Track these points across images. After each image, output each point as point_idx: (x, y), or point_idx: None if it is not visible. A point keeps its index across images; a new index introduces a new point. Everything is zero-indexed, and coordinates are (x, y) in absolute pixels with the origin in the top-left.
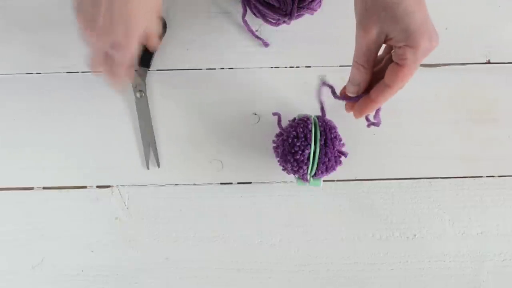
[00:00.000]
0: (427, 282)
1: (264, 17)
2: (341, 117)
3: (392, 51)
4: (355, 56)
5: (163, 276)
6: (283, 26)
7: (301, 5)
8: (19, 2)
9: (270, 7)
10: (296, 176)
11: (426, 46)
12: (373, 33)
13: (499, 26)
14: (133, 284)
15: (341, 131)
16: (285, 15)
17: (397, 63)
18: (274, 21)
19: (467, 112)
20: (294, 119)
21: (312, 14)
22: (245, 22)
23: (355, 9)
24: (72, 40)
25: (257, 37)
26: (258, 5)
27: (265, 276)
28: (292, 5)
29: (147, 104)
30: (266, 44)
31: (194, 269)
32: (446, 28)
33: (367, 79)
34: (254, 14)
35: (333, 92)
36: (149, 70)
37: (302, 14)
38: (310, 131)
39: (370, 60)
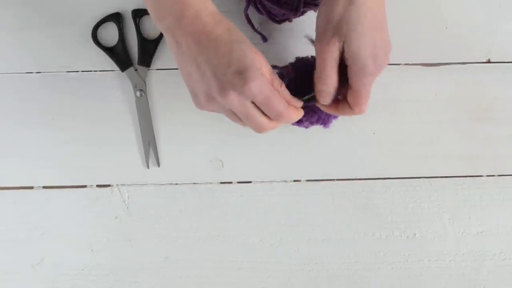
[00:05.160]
0: (427, 281)
1: (268, 13)
2: (340, 117)
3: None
4: (319, 69)
5: (163, 275)
6: (283, 25)
7: (307, 0)
8: (19, 1)
9: (276, 1)
10: None
11: (370, 70)
12: (333, 48)
13: (499, 25)
14: (133, 283)
15: (341, 130)
16: (290, 10)
17: (350, 86)
18: (277, 18)
19: (467, 111)
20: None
21: (315, 11)
22: (246, 16)
23: (317, 21)
24: (72, 39)
25: (257, 31)
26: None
27: (265, 276)
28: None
29: (147, 103)
30: (265, 39)
31: (193, 268)
32: (446, 27)
33: (334, 86)
34: (258, 10)
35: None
36: (149, 69)
37: (306, 11)
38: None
39: (333, 71)
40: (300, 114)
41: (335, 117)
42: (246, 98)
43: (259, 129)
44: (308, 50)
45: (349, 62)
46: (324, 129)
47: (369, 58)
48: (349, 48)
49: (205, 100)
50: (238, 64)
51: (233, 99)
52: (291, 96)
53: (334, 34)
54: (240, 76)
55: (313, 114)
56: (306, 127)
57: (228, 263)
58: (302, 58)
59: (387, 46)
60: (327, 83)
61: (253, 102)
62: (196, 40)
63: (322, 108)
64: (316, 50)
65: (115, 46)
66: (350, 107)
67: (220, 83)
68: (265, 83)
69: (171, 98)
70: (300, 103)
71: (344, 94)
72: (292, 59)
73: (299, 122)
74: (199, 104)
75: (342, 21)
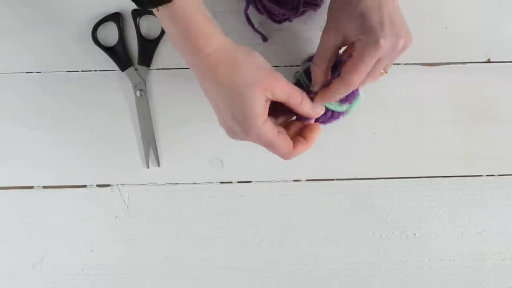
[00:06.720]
0: (427, 281)
1: (268, 13)
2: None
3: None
4: (314, 57)
5: (163, 275)
6: (283, 25)
7: (307, 0)
8: (19, 1)
9: (276, 1)
10: None
11: (377, 42)
12: (331, 36)
13: (499, 25)
14: (133, 283)
15: (341, 130)
16: (290, 10)
17: (351, 56)
18: (277, 18)
19: (467, 111)
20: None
21: (315, 11)
22: (246, 16)
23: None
24: (72, 39)
25: (257, 31)
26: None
27: (265, 275)
28: None
29: (147, 103)
30: (265, 39)
31: (193, 268)
32: (446, 27)
33: (322, 78)
34: (258, 10)
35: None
36: (149, 69)
37: (306, 11)
38: None
39: (325, 60)
40: (309, 145)
41: (336, 119)
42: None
43: (282, 157)
44: (308, 50)
45: (353, 38)
46: (324, 130)
47: (374, 30)
48: (350, 29)
49: (227, 132)
50: (238, 114)
51: (240, 139)
52: (313, 105)
53: (332, 24)
54: (239, 125)
55: None
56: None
57: (228, 263)
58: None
59: (400, 29)
60: (316, 70)
61: None
62: (201, 75)
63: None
64: (320, 38)
65: (115, 46)
66: (340, 79)
67: (226, 124)
68: (264, 132)
69: (171, 98)
70: (322, 109)
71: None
72: (292, 58)
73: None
74: (227, 134)
75: (340, 11)
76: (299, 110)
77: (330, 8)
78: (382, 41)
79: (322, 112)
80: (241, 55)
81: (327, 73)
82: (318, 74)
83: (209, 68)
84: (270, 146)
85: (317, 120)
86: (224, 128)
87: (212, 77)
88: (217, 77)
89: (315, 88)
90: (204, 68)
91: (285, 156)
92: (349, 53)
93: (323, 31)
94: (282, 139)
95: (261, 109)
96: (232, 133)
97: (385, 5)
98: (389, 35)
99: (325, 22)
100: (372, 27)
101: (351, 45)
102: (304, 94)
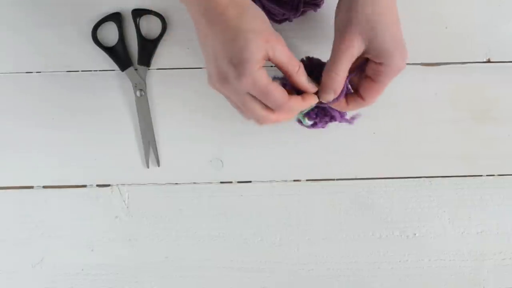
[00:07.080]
0: (427, 281)
1: (268, 13)
2: None
3: (367, 65)
4: (332, 66)
5: (163, 275)
6: (283, 25)
7: (307, 0)
8: (19, 1)
9: (276, 1)
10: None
11: (399, 65)
12: (355, 44)
13: (499, 25)
14: (133, 282)
15: (341, 130)
16: (290, 10)
17: (371, 78)
18: (277, 18)
19: (467, 111)
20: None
21: (316, 11)
22: None
23: (337, 19)
24: (72, 39)
25: None
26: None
27: (265, 275)
28: None
29: (147, 103)
30: None
31: (193, 268)
32: (446, 27)
33: (341, 86)
34: None
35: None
36: (149, 69)
37: (306, 11)
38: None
39: (346, 70)
40: (305, 103)
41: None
42: (241, 90)
43: (259, 121)
44: (307, 50)
45: (376, 59)
46: (324, 129)
47: (396, 53)
48: (374, 45)
49: (217, 81)
50: (236, 57)
51: (229, 89)
52: (308, 80)
53: (357, 32)
54: (234, 69)
55: (325, 115)
56: (323, 127)
57: (228, 263)
58: (310, 58)
59: (404, 44)
60: (337, 80)
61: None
62: (207, 20)
63: (333, 106)
64: (338, 47)
65: (115, 45)
66: (361, 99)
67: (218, 71)
68: (260, 77)
69: (171, 98)
70: (315, 88)
71: (356, 87)
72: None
73: (314, 125)
74: (211, 84)
75: (363, 19)
76: (296, 78)
77: (347, 17)
78: (401, 63)
79: (316, 89)
80: (251, 5)
81: (344, 83)
82: (339, 84)
83: (217, 12)
84: (265, 92)
85: (314, 125)
86: (214, 76)
87: (218, 21)
88: (224, 19)
89: (330, 97)
90: (212, 12)
91: (280, 105)
92: (356, 65)
93: (344, 40)
94: (277, 86)
95: (260, 57)
96: (222, 81)
97: (397, 21)
98: (404, 56)
99: (326, 22)
100: (394, 50)
101: (362, 58)
102: (302, 64)
